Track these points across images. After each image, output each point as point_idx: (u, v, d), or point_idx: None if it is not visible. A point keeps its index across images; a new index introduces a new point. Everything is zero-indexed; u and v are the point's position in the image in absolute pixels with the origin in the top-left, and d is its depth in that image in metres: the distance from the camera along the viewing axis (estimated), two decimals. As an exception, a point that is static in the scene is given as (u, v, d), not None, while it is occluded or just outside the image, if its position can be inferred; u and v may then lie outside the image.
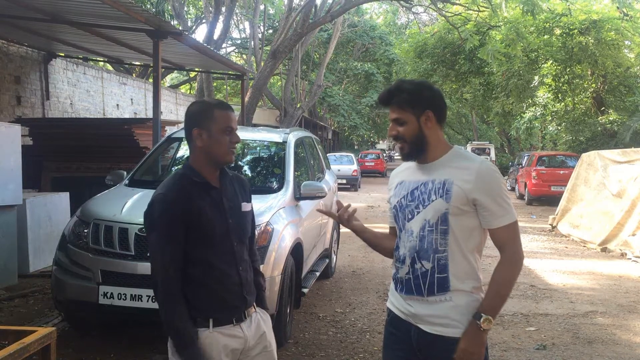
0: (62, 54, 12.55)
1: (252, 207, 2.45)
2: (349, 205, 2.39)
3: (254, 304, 2.36)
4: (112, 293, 4.26)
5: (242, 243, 2.34)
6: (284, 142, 6.03)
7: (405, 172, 2.32)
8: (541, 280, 7.39)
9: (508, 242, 2.12)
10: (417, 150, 2.21)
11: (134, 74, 21.97)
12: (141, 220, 2.41)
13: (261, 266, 3.63)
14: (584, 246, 10.17)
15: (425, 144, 2.19)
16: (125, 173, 5.67)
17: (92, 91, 14.48)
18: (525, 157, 20.14)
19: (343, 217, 2.40)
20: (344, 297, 6.49)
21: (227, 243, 2.26)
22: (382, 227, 11.97)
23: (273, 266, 4.58)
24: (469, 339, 2.06)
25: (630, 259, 8.92)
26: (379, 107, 30.94)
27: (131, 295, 4.23)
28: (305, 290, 5.56)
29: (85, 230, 4.56)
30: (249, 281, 2.32)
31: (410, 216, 2.20)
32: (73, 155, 9.05)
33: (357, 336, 5.16)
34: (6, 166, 6.31)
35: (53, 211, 7.37)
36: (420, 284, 2.15)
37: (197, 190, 2.24)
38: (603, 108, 18.20)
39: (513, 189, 21.30)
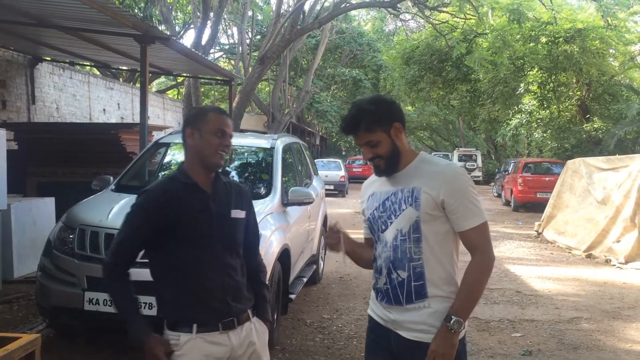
0: (49, 58, 12.46)
1: (247, 215, 2.42)
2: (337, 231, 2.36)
3: (250, 313, 2.34)
4: (97, 299, 4.22)
5: (229, 249, 2.32)
6: (272, 148, 6.03)
7: (375, 184, 2.35)
8: (527, 287, 7.43)
9: (479, 243, 2.14)
10: (393, 164, 2.23)
11: (120, 79, 21.85)
12: None
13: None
14: (569, 252, 10.24)
15: (399, 155, 2.22)
16: (111, 178, 5.64)
17: (79, 95, 14.38)
18: (512, 164, 20.28)
19: (338, 242, 2.36)
20: (332, 303, 6.49)
21: (211, 247, 2.25)
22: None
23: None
24: (439, 340, 2.09)
25: (615, 265, 9.00)
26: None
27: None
28: (292, 296, 5.54)
29: (71, 236, 4.52)
30: (235, 288, 2.29)
31: (383, 227, 2.23)
32: (59, 160, 8.99)
33: (344, 342, 5.16)
34: (-9, 171, 6.26)
35: (38, 216, 7.30)
36: (398, 294, 2.18)
37: (184, 192, 2.26)
38: (588, 115, 18.40)
39: (499, 196, 21.43)
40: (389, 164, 2.22)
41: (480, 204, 2.15)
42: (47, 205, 7.54)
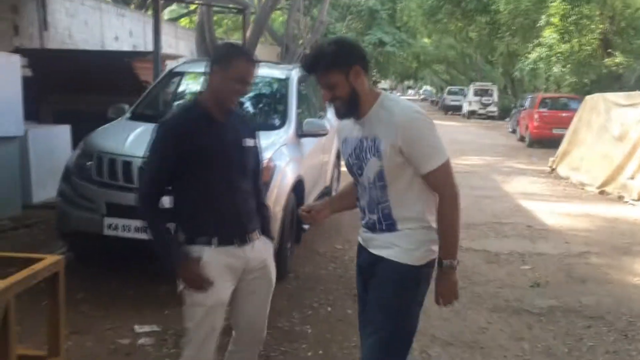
0: (59, -17, 12.24)
1: (255, 143, 2.58)
2: (308, 210, 2.54)
3: (258, 232, 2.54)
4: (116, 225, 4.33)
5: (243, 175, 2.51)
6: (287, 79, 5.97)
7: (346, 128, 2.39)
8: (538, 221, 7.49)
9: (439, 184, 2.19)
10: (352, 107, 2.25)
11: (132, 5, 21.46)
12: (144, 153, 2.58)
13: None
14: (582, 189, 10.24)
15: (358, 99, 2.23)
16: (127, 107, 5.66)
17: (91, 22, 14.19)
18: (528, 99, 19.97)
19: (315, 218, 2.55)
20: (344, 234, 6.58)
21: (228, 173, 2.45)
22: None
23: (275, 202, 4.63)
24: (442, 283, 2.25)
25: (628, 202, 9.00)
26: (382, 45, 30.47)
27: (135, 227, 4.29)
28: (305, 227, 5.62)
29: (89, 163, 4.58)
30: (247, 210, 2.50)
31: (359, 172, 2.31)
32: (72, 87, 8.95)
33: (355, 271, 5.26)
34: (6, 96, 6.27)
35: (55, 143, 7.35)
36: (376, 229, 2.29)
37: (201, 123, 2.43)
38: (609, 50, 17.88)
39: (514, 131, 21.23)
40: (348, 107, 2.25)
41: (439, 143, 2.17)
42: (63, 132, 7.59)
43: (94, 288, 4.45)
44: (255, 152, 2.61)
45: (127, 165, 4.39)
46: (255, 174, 2.61)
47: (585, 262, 5.75)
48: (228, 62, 2.37)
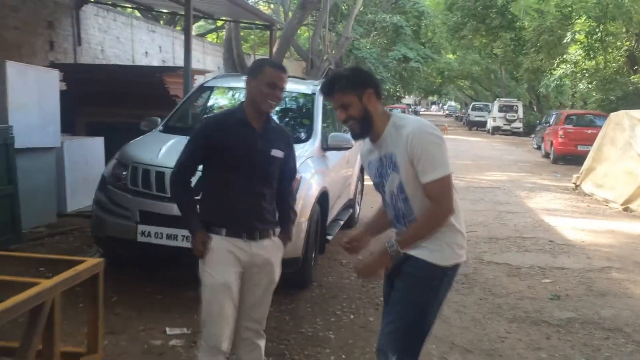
0: (93, 0, 12.66)
1: (286, 155, 2.86)
2: (350, 241, 2.77)
3: (272, 232, 2.85)
4: (149, 232, 4.52)
5: (263, 180, 2.79)
6: (313, 94, 6.16)
7: (368, 154, 2.62)
8: (560, 237, 7.53)
9: (434, 196, 2.37)
10: (366, 127, 2.47)
11: (161, 21, 21.99)
12: None
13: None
14: (607, 205, 10.22)
15: (371, 120, 2.44)
16: (159, 120, 5.89)
17: (122, 38, 14.62)
18: (553, 116, 19.90)
19: (357, 248, 2.77)
20: (367, 245, 6.70)
21: (248, 175, 2.75)
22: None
23: (300, 212, 4.78)
24: (373, 255, 2.49)
25: (652, 219, 8.99)
26: (407, 61, 30.58)
27: (167, 234, 4.49)
28: (329, 237, 5.77)
29: (124, 173, 4.80)
30: (260, 212, 2.79)
31: (383, 189, 2.54)
32: (105, 101, 9.27)
33: (378, 282, 5.39)
34: (46, 109, 6.59)
35: (88, 155, 7.64)
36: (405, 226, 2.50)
37: (236, 125, 2.76)
38: (636, 67, 17.81)
39: (539, 147, 21.14)
40: (361, 127, 2.47)
41: (442, 158, 2.35)
42: (97, 144, 7.88)
43: (126, 292, 4.65)
44: (288, 162, 2.91)
45: (160, 175, 4.59)
46: (286, 181, 2.93)
47: (606, 276, 5.80)
48: (259, 70, 2.72)
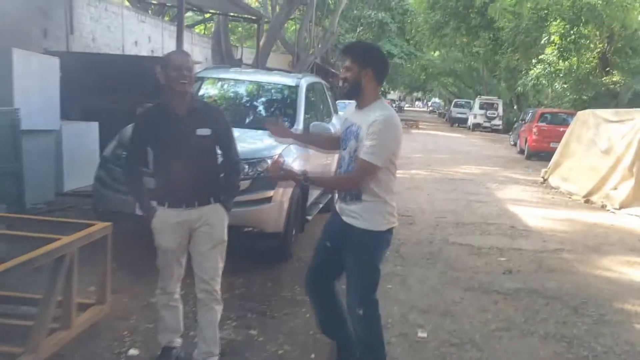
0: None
1: (214, 132, 3.25)
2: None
3: (213, 200, 3.29)
4: (147, 205, 5.04)
5: (193, 158, 3.19)
6: (297, 86, 6.71)
7: (350, 115, 3.21)
8: (521, 223, 8.17)
9: (357, 169, 2.96)
10: (352, 93, 3.07)
11: (149, 11, 22.32)
12: None
13: (272, 192, 5.05)
14: (570, 198, 10.91)
15: (360, 91, 3.04)
16: (154, 106, 6.39)
17: (113, 27, 15.01)
18: (529, 114, 20.63)
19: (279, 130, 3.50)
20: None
21: (179, 156, 3.17)
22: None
23: (282, 193, 5.33)
24: (290, 172, 3.13)
25: (609, 210, 9.67)
26: (390, 57, 31.15)
27: (162, 208, 5.01)
28: (309, 218, 6.33)
29: (124, 153, 5.31)
30: (195, 185, 3.22)
31: (344, 147, 3.14)
32: (98, 88, 9.71)
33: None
34: (47, 94, 7.06)
35: (84, 138, 8.11)
36: (346, 195, 3.10)
37: (161, 115, 3.21)
38: (608, 69, 18.58)
39: (515, 144, 21.87)
40: (349, 91, 3.06)
41: (383, 149, 2.92)
42: (92, 128, 8.36)
43: (126, 260, 5.13)
44: (220, 138, 3.30)
45: (157, 155, 5.11)
46: (226, 155, 3.36)
47: (557, 256, 6.44)
48: (165, 60, 3.13)
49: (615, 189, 10.02)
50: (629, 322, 4.58)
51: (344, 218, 3.09)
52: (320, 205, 7.11)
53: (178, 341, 3.50)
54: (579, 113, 12.63)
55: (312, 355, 3.69)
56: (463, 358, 3.76)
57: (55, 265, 3.28)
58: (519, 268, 5.87)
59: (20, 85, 6.55)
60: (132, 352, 3.57)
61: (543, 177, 12.97)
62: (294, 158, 5.66)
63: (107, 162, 5.46)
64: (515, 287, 5.23)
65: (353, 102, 3.16)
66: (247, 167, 5.08)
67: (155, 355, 3.46)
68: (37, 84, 6.90)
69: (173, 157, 3.18)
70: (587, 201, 10.43)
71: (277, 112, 6.79)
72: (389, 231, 3.09)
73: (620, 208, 9.58)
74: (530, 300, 4.93)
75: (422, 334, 4.08)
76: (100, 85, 9.69)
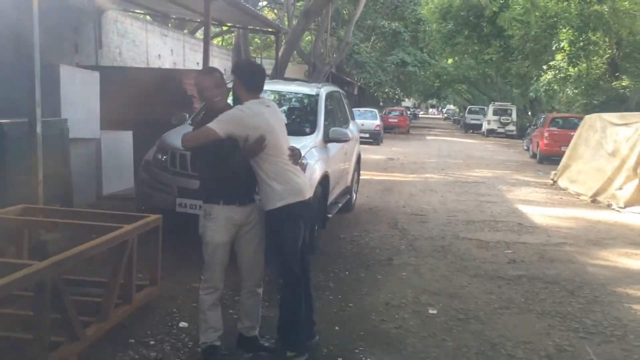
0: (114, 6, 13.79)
1: None
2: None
3: (257, 198, 3.71)
4: (186, 204, 5.66)
5: (243, 158, 3.56)
6: (317, 95, 7.31)
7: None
8: (529, 221, 8.70)
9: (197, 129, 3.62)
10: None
11: (170, 24, 23.11)
12: None
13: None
14: (577, 198, 11.39)
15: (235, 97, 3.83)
16: (187, 115, 7.04)
17: (137, 41, 15.74)
18: (541, 119, 21.08)
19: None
20: (361, 225, 7.86)
21: (234, 160, 3.55)
22: (399, 177, 13.11)
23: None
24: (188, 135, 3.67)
25: (615, 209, 10.13)
26: (404, 65, 31.74)
27: (200, 206, 5.62)
28: (329, 215, 6.92)
29: (164, 157, 5.95)
30: (247, 184, 3.65)
31: None
32: (131, 99, 10.40)
33: (369, 250, 6.56)
34: (89, 105, 7.73)
35: (120, 146, 8.79)
36: None
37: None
38: (617, 73, 18.99)
39: (528, 149, 22.30)
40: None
41: (220, 123, 3.38)
42: (127, 137, 9.03)
43: (169, 253, 5.74)
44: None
45: (194, 159, 5.73)
46: None
47: (559, 249, 6.97)
48: (198, 80, 3.74)
49: (620, 189, 10.49)
50: (619, 302, 5.11)
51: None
52: (340, 205, 7.69)
53: (219, 340, 3.73)
54: (587, 117, 13.11)
55: (336, 328, 4.26)
56: (467, 329, 4.32)
57: (120, 248, 3.89)
58: (523, 259, 6.41)
59: (66, 98, 7.22)
60: (182, 324, 4.17)
61: (553, 179, 13.44)
62: (316, 160, 6.24)
63: (148, 165, 6.11)
64: (518, 274, 5.78)
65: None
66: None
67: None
68: (80, 96, 7.57)
69: (229, 161, 3.52)
70: (593, 201, 10.90)
71: (299, 118, 7.40)
72: (282, 208, 3.56)
73: (625, 207, 10.04)
74: (530, 285, 5.47)
75: (432, 311, 4.65)
76: (133, 97, 10.41)
